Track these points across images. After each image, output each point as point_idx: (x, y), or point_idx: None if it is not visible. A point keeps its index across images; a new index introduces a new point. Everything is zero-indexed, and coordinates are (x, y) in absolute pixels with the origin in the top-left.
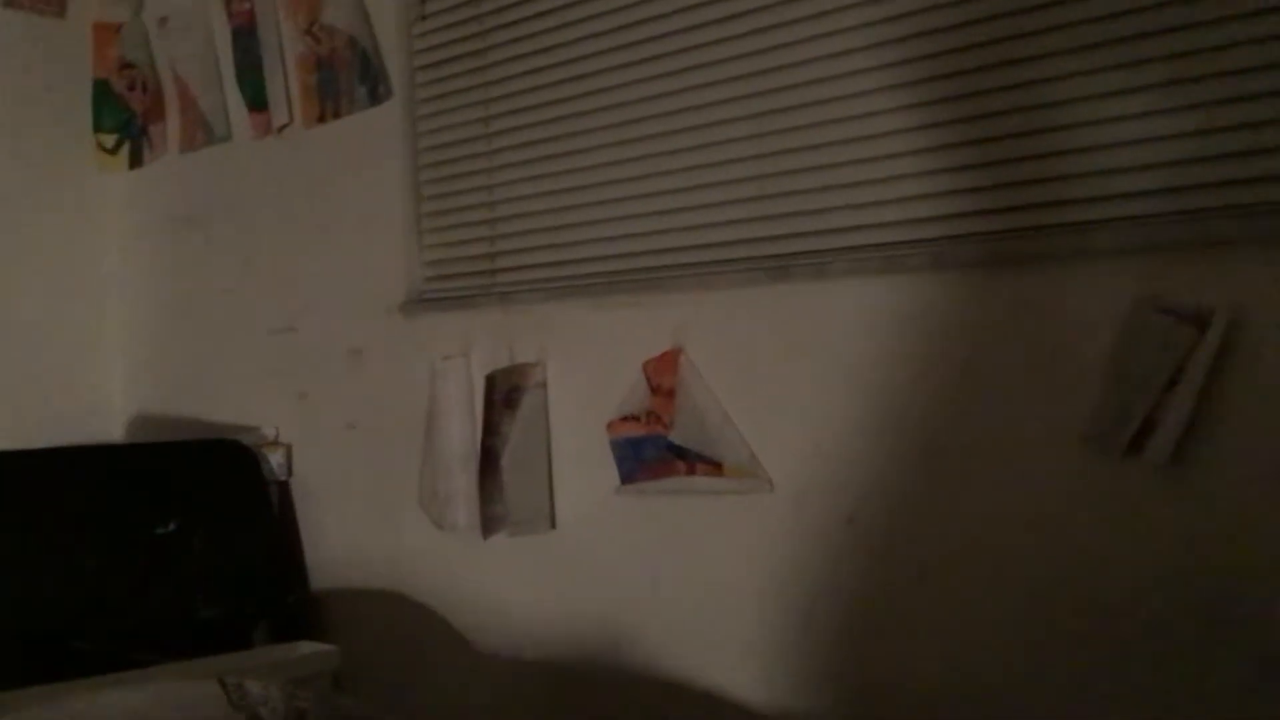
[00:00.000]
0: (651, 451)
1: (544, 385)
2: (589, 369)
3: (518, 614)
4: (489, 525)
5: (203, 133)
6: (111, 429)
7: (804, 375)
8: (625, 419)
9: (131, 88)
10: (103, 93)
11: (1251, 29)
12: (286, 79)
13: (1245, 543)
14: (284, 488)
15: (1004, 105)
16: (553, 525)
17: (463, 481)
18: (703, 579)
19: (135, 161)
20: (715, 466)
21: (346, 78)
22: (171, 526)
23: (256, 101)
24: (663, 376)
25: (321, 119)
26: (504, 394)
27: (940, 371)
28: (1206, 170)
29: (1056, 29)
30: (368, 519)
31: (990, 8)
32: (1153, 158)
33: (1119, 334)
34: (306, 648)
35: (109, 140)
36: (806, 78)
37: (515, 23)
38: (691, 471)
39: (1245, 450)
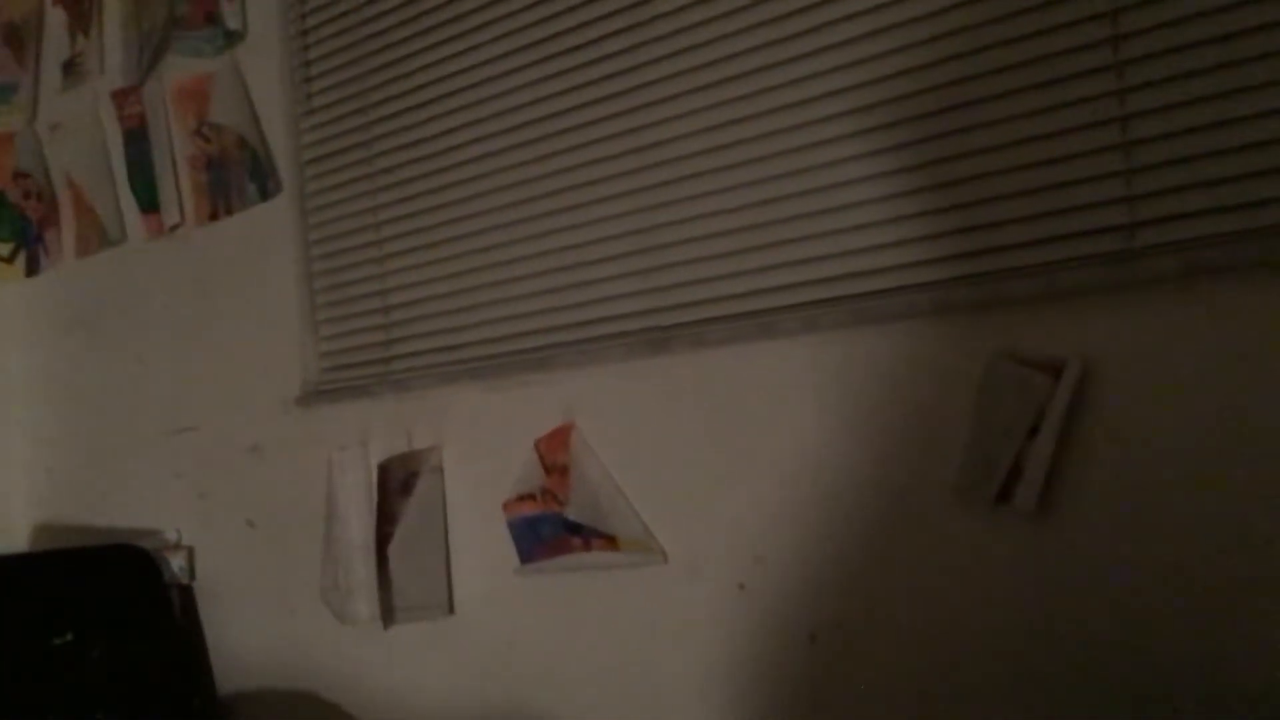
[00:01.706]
0: (548, 529)
1: (439, 470)
2: (485, 451)
3: (426, 703)
4: (388, 615)
5: (97, 237)
6: (14, 539)
7: (690, 443)
8: (521, 498)
9: (27, 196)
10: None
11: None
12: (178, 179)
13: (1113, 585)
14: (186, 591)
15: (861, 173)
16: (450, 610)
17: (363, 572)
18: (604, 654)
19: (32, 269)
20: (610, 541)
21: (237, 175)
22: (69, 636)
23: (149, 203)
24: (555, 454)
25: (214, 217)
26: (399, 481)
27: (819, 433)
28: (1056, 224)
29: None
30: (271, 617)
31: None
32: (1003, 215)
33: (980, 385)
34: None
35: (5, 249)
36: (669, 155)
37: (398, 113)
38: (587, 547)
39: (1107, 494)
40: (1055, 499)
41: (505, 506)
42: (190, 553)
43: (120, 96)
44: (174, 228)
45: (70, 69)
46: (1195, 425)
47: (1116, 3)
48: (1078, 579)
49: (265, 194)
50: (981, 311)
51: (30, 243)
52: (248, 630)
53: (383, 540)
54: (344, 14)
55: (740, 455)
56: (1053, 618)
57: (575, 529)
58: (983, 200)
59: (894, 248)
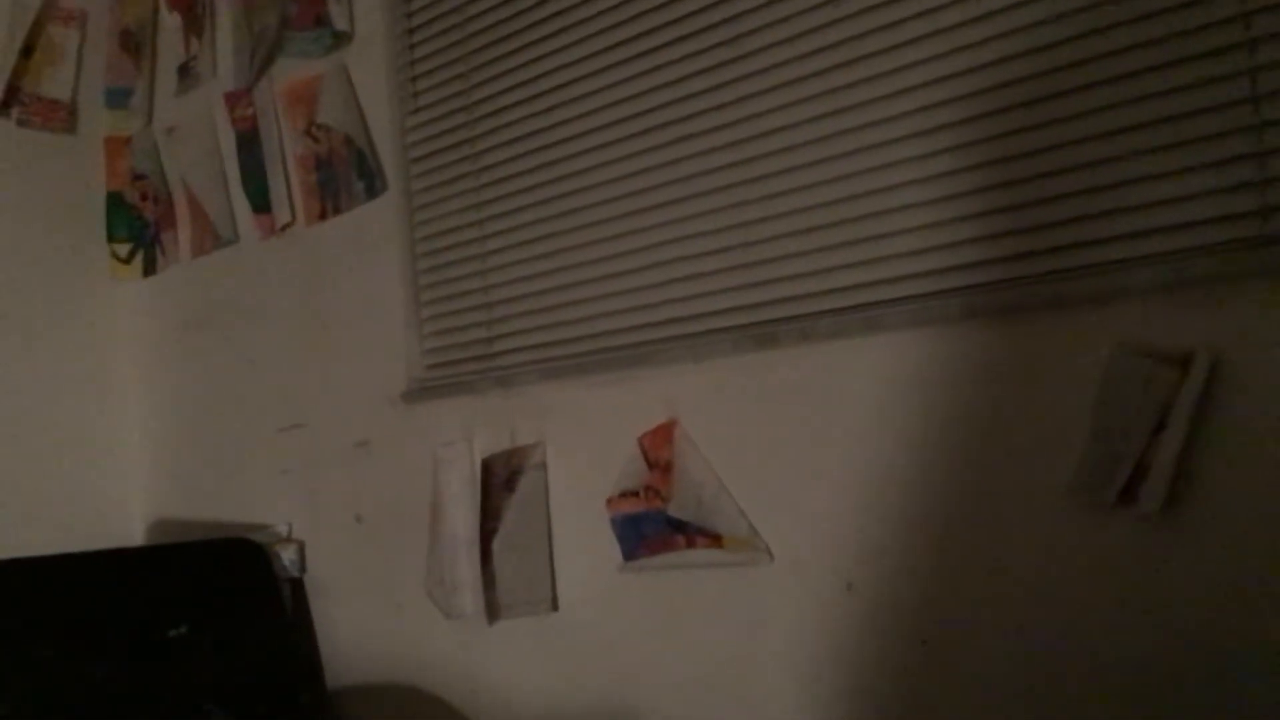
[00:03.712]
0: (651, 527)
1: (543, 466)
2: (587, 447)
3: (527, 698)
4: (492, 611)
5: (211, 237)
6: (132, 533)
7: (795, 440)
8: (624, 495)
9: (144, 198)
10: (116, 204)
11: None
12: (288, 180)
13: (1250, 590)
14: (297, 584)
15: (971, 160)
16: (555, 607)
17: (468, 568)
18: (707, 653)
19: (149, 269)
20: (714, 539)
21: (345, 174)
22: (183, 629)
23: (260, 203)
24: (658, 450)
25: (322, 216)
26: (503, 478)
27: (927, 430)
28: (1184, 210)
29: (1038, 78)
30: (378, 612)
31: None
32: (1126, 202)
33: (1101, 381)
34: None
35: (123, 250)
36: (778, 146)
37: (500, 110)
38: (691, 545)
39: (1238, 493)
40: (1182, 499)
41: (608, 503)
42: (301, 547)
43: (232, 99)
44: (285, 228)
45: (185, 73)
46: None
47: None
48: (1206, 583)
49: (372, 193)
50: (1102, 304)
51: (147, 243)
52: (355, 624)
53: (487, 536)
54: (447, 13)
55: (846, 453)
56: (1179, 623)
57: (679, 526)
58: (1104, 187)
59: (1008, 237)
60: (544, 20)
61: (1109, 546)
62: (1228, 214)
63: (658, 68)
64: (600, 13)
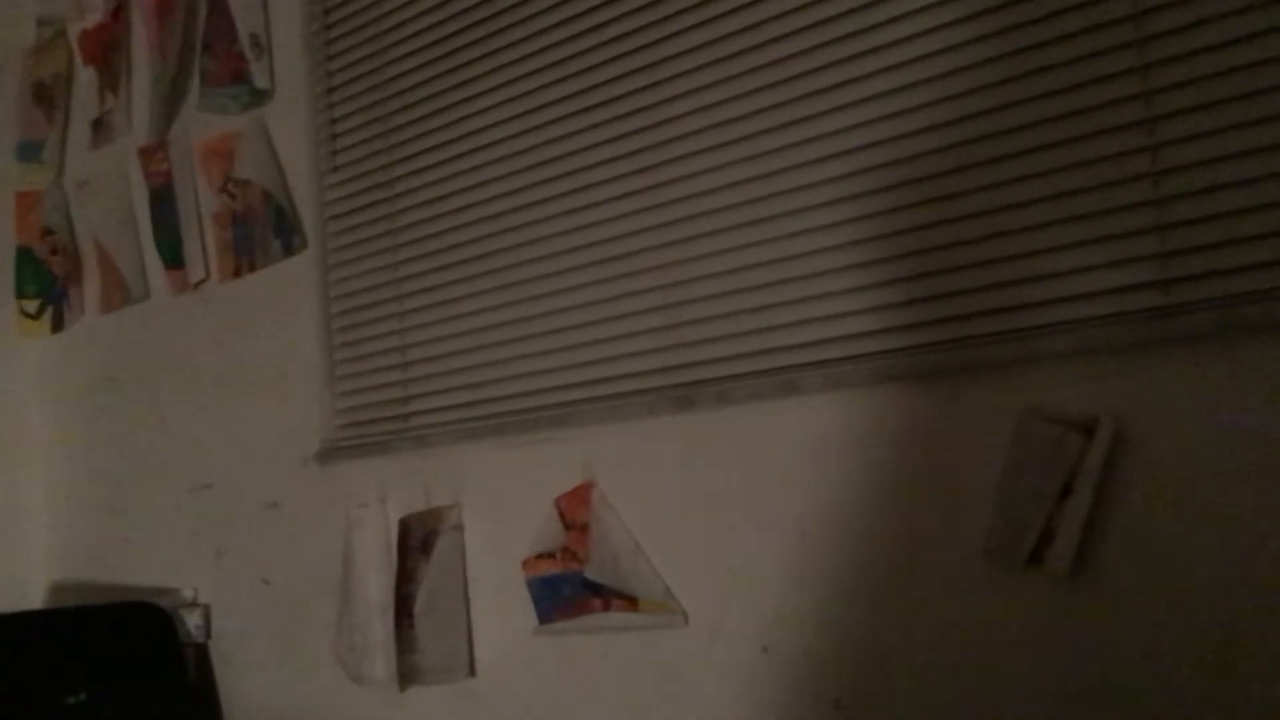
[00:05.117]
0: (568, 589)
1: (459, 528)
2: (504, 508)
3: None
4: (406, 676)
5: (121, 293)
6: (33, 596)
7: (712, 503)
8: (540, 557)
9: (54, 253)
10: (25, 259)
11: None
12: (203, 235)
13: (1154, 647)
14: (202, 650)
15: (885, 228)
16: (472, 672)
17: (381, 632)
18: (623, 718)
19: (57, 325)
20: (630, 601)
21: (262, 231)
22: (82, 696)
23: (173, 259)
24: (575, 512)
25: (238, 273)
26: (419, 539)
27: (843, 493)
28: (1087, 280)
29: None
30: (287, 677)
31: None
32: (1032, 271)
33: (1009, 446)
34: None
35: (31, 306)
36: (697, 210)
37: (421, 169)
38: (607, 608)
39: (1143, 557)
40: (1089, 562)
41: (524, 565)
42: (206, 611)
43: (146, 153)
44: (198, 284)
45: (99, 127)
46: (1234, 485)
47: (1147, 58)
48: (1112, 644)
49: (290, 250)
50: (1011, 369)
51: (55, 299)
52: (263, 690)
53: (402, 600)
54: (368, 73)
55: (763, 515)
56: (1086, 683)
57: (595, 589)
58: (1011, 256)
59: (921, 304)
60: (466, 83)
61: (1019, 607)
62: (1131, 284)
63: (580, 131)
64: (523, 76)
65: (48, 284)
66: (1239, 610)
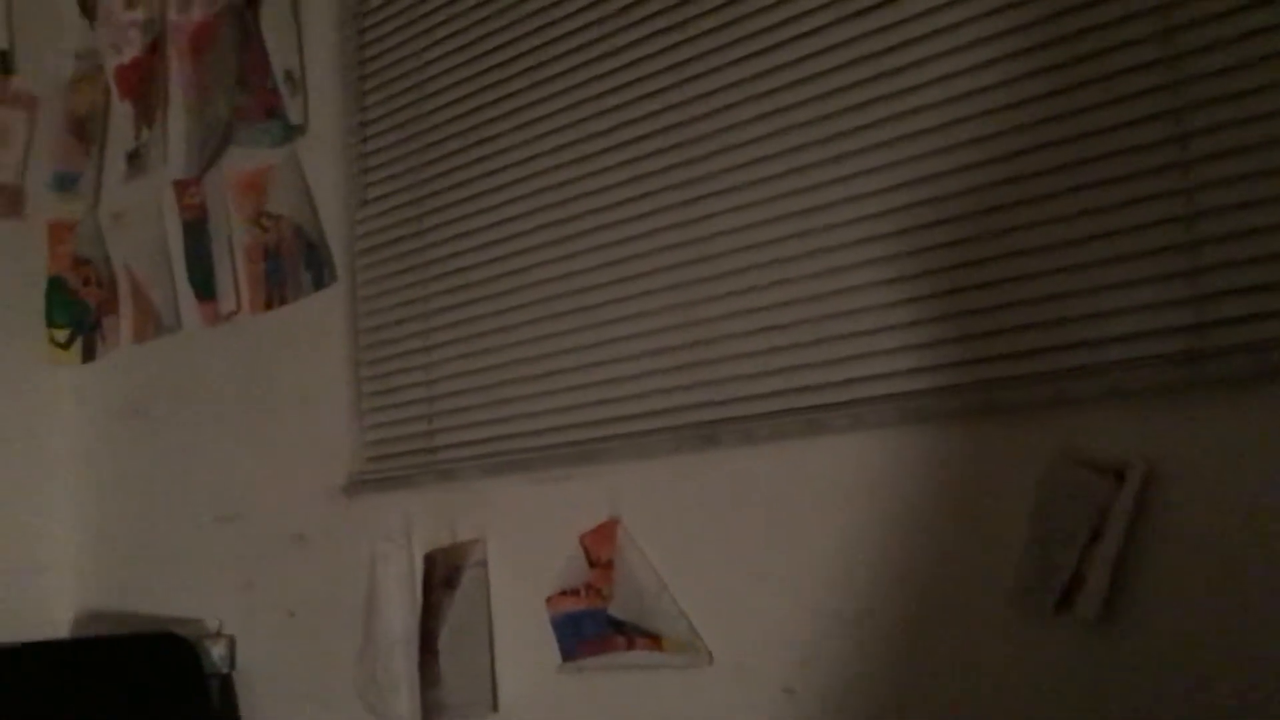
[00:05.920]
0: (591, 627)
1: (484, 563)
2: (529, 544)
3: None
4: (429, 711)
5: (153, 324)
6: (58, 626)
7: (737, 541)
8: (564, 593)
9: (86, 283)
10: (56, 289)
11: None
12: (235, 268)
13: (1185, 693)
14: (226, 681)
15: (917, 268)
16: (495, 708)
17: (404, 668)
18: None
19: (88, 355)
20: (654, 640)
21: (293, 265)
22: None
23: (205, 291)
24: (600, 548)
25: (269, 305)
26: (444, 574)
27: (868, 533)
28: (1120, 323)
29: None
30: (310, 710)
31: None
32: (1064, 313)
33: (1039, 489)
34: None
35: (61, 335)
36: (726, 248)
37: (451, 204)
38: (631, 646)
39: (1174, 604)
40: (1119, 607)
41: (548, 602)
42: (231, 642)
43: (181, 187)
44: (230, 315)
45: (134, 159)
46: (1266, 531)
47: (1182, 100)
48: (1143, 691)
49: (320, 284)
50: (1040, 412)
51: (86, 329)
52: None
53: (426, 635)
54: (401, 108)
55: (788, 555)
56: None
57: (619, 626)
58: (1043, 298)
59: (951, 344)
60: (494, 119)
61: (1048, 652)
62: (1165, 328)
63: (608, 168)
64: (552, 113)
65: (77, 314)
66: (1271, 660)
